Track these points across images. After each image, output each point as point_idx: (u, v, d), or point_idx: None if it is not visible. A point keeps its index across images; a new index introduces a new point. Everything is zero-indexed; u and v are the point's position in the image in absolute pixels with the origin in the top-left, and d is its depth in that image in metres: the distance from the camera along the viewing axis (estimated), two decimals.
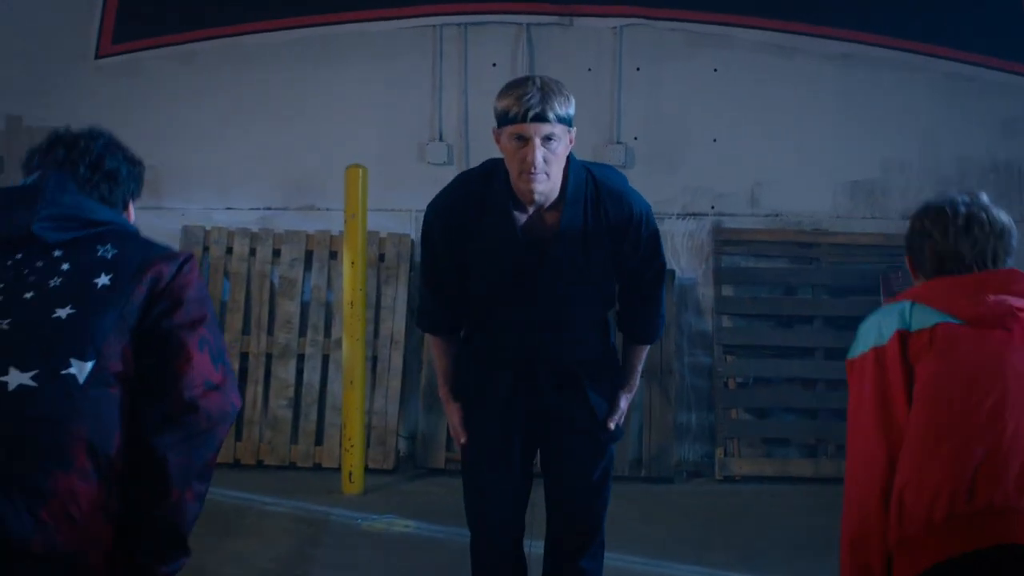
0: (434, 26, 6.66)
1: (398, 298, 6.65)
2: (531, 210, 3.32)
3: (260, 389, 6.55)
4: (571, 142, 3.29)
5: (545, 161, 3.18)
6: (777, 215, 6.72)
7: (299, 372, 6.58)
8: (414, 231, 6.55)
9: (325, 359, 6.60)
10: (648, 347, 3.66)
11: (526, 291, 3.35)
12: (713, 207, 6.70)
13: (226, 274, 6.65)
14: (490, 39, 6.61)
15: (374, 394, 6.50)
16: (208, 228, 6.71)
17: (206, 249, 6.67)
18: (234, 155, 6.71)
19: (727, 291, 6.71)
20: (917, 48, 6.55)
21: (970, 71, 6.59)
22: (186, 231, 6.70)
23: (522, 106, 3.15)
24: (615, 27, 6.58)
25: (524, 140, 3.18)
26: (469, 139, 6.65)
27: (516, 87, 3.22)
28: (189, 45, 6.68)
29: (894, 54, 6.62)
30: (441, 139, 6.70)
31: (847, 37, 6.59)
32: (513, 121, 3.18)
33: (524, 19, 6.54)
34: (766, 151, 6.66)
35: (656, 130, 6.68)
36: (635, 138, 6.72)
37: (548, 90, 3.18)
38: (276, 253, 6.67)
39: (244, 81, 6.72)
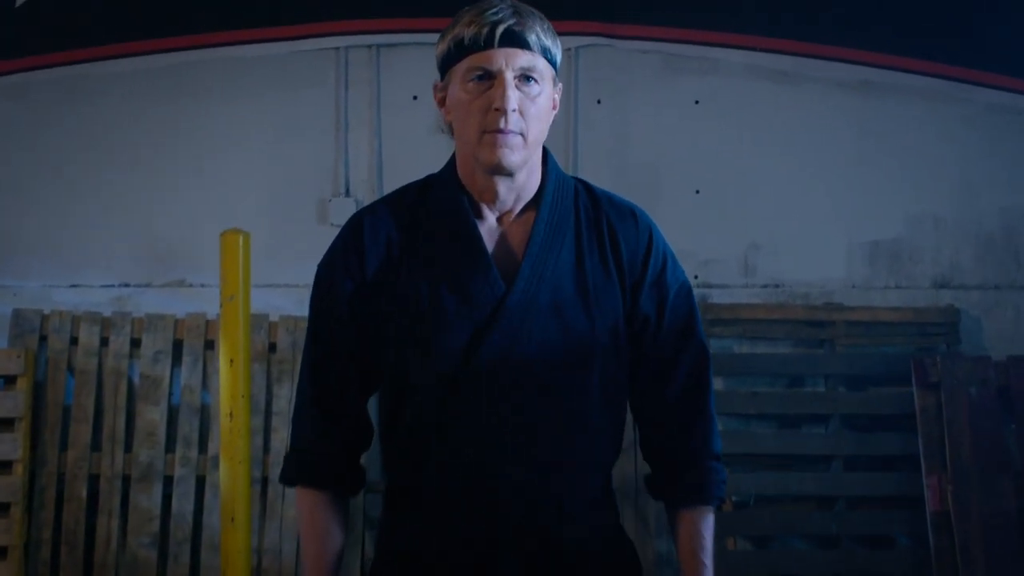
0: (337, 48, 6.33)
1: (294, 400, 6.11)
2: (492, 214, 2.61)
3: (115, 523, 6.08)
4: (555, 106, 2.63)
5: (521, 113, 2.52)
6: (778, 286, 6.48)
7: (166, 499, 6.15)
8: None
9: (200, 481, 6.12)
10: (711, 516, 2.71)
11: (483, 375, 2.51)
12: (697, 276, 6.47)
13: (70, 371, 6.24)
14: (409, 65, 6.33)
15: (264, 528, 6.05)
16: (47, 312, 6.27)
17: (43, 339, 6.21)
18: (80, 217, 6.37)
19: (717, 384, 6.17)
20: (951, 74, 6.40)
21: (1017, 102, 6.49)
22: (17, 316, 6.23)
23: (485, 22, 2.52)
24: (570, 48, 6.32)
25: (490, 77, 2.52)
26: (379, 194, 6.37)
27: (476, 6, 2.59)
28: (18, 76, 6.39)
29: (923, 81, 6.44)
30: (348, 194, 6.43)
31: (865, 60, 6.44)
32: (472, 48, 2.52)
33: None
34: (763, 205, 6.42)
35: (623, 179, 6.44)
36: None
37: (525, 10, 2.58)
38: (135, 343, 6.26)
39: (90, 122, 6.41)
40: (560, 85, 2.66)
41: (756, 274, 6.48)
